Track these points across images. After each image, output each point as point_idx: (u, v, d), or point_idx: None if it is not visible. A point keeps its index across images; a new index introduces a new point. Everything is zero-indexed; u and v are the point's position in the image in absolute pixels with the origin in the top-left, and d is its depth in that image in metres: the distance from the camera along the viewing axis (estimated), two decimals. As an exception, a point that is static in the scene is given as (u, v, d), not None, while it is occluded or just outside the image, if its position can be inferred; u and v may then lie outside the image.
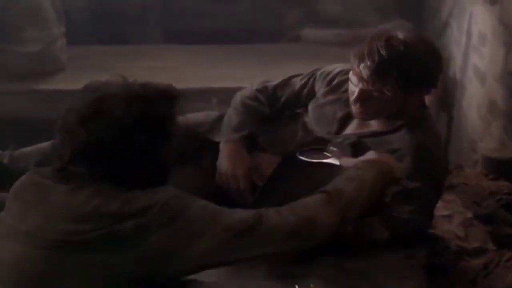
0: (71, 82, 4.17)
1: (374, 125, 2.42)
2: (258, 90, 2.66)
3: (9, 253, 1.74)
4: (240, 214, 1.78)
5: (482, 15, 3.91)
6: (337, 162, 2.25)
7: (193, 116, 2.66)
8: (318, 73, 2.60)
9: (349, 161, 2.21)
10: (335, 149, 2.32)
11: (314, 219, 1.81)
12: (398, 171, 2.11)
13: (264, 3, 5.71)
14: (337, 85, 2.52)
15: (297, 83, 2.65)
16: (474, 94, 4.01)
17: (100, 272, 1.68)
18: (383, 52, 2.24)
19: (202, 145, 2.61)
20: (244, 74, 4.22)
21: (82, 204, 1.72)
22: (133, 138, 1.78)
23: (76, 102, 1.84)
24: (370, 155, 2.15)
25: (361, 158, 2.15)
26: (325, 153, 2.32)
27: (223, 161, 2.51)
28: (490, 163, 3.34)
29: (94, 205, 1.70)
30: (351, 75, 2.33)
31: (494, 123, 3.61)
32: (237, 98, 2.67)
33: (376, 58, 2.23)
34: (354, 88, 2.33)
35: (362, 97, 2.31)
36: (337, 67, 2.57)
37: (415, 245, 2.36)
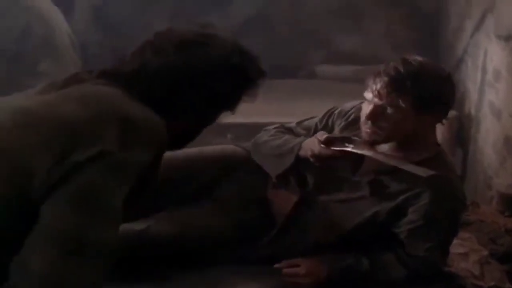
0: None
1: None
2: (276, 128, 2.66)
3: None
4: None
5: (496, 51, 3.92)
6: (358, 151, 2.28)
7: (209, 149, 2.66)
8: (337, 111, 2.59)
9: (368, 152, 2.26)
10: (357, 139, 2.34)
11: None
12: None
13: (280, 39, 5.75)
14: (353, 121, 2.51)
15: (315, 122, 2.63)
16: (490, 130, 4.00)
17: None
18: (399, 67, 2.26)
19: (221, 177, 2.59)
20: (259, 110, 4.22)
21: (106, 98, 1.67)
22: (215, 82, 1.78)
23: (180, 29, 1.84)
24: None
25: None
26: (346, 144, 2.34)
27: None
28: (505, 200, 3.32)
29: (115, 106, 1.64)
30: (365, 94, 2.32)
31: (510, 159, 3.59)
32: (262, 138, 2.62)
33: (393, 72, 2.25)
34: (367, 106, 2.32)
35: (375, 113, 2.29)
36: (355, 103, 2.57)
37: (431, 283, 2.34)
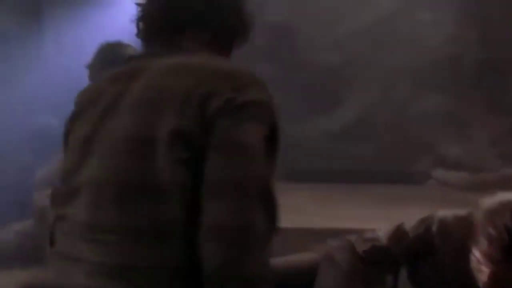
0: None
1: None
2: (365, 252, 2.37)
3: None
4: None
5: None
6: None
7: (296, 258, 2.54)
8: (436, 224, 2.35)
9: None
10: None
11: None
12: None
13: (388, 145, 5.76)
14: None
15: (411, 234, 2.38)
16: None
17: None
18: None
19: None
20: (366, 215, 4.17)
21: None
22: None
23: None
24: None
25: None
26: None
27: None
28: None
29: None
30: (478, 254, 2.10)
31: None
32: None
33: (506, 237, 2.03)
34: (484, 269, 2.08)
35: (495, 280, 2.15)
36: (458, 213, 2.33)
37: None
